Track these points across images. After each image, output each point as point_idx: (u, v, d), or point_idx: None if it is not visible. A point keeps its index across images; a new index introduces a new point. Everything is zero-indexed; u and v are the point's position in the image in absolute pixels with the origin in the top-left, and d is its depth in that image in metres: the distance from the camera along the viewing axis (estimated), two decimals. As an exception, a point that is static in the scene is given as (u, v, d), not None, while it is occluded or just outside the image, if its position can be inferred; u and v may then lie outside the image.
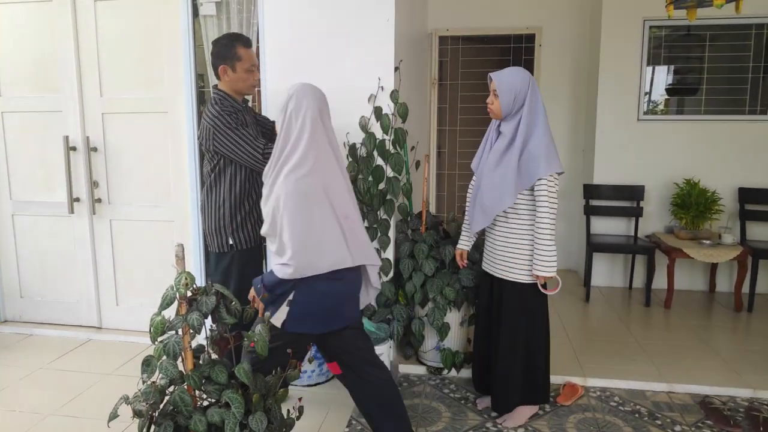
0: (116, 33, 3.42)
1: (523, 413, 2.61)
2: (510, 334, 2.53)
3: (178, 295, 1.61)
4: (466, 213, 2.71)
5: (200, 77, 3.44)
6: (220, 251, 2.63)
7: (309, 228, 1.87)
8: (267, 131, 2.84)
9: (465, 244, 2.75)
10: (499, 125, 2.53)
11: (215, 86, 2.63)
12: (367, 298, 2.22)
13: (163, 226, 3.49)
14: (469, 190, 2.71)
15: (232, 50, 2.55)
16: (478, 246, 2.89)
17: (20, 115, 3.61)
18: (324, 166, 1.94)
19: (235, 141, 2.47)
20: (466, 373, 3.05)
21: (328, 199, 1.91)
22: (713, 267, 4.49)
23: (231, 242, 2.60)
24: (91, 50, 3.44)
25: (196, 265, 3.46)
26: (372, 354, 2.19)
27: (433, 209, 5.03)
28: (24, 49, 3.55)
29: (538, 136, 2.38)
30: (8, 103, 3.61)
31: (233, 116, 2.50)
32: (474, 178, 2.68)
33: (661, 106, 4.59)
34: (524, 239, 2.43)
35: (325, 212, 1.90)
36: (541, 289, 2.45)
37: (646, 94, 4.53)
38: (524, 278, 2.47)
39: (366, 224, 3.05)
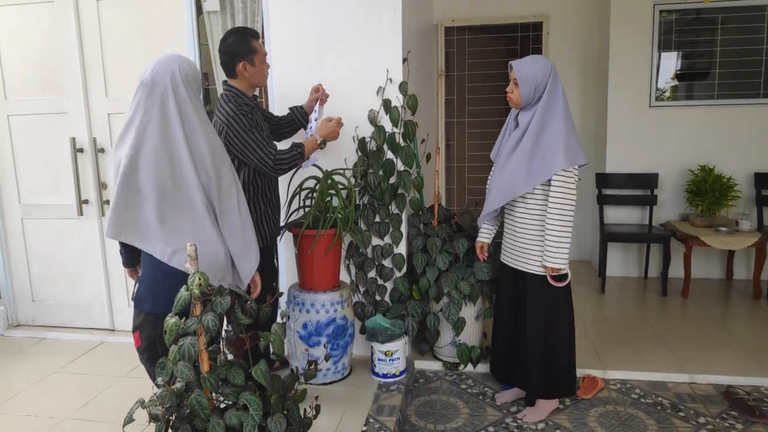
0: (120, 32, 3.39)
1: (544, 407, 2.57)
2: (534, 327, 2.49)
3: (192, 296, 1.57)
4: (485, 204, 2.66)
5: (205, 76, 3.40)
6: None
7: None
8: (273, 126, 2.80)
9: (485, 236, 2.70)
10: (517, 114, 2.47)
11: (225, 82, 2.59)
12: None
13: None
14: (488, 181, 2.66)
15: (247, 44, 2.51)
16: (495, 237, 2.84)
17: (26, 118, 3.59)
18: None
19: (248, 143, 2.43)
20: (482, 368, 3.01)
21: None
22: (730, 254, 4.42)
23: None
24: (95, 50, 3.41)
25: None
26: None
27: (443, 202, 4.98)
28: (28, 51, 3.52)
29: (555, 127, 2.32)
30: (14, 106, 3.59)
31: (248, 117, 2.45)
32: (494, 167, 2.63)
33: (670, 93, 4.51)
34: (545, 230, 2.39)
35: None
36: (550, 280, 2.40)
37: (657, 80, 4.45)
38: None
39: (377, 219, 3.01)
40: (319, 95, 2.80)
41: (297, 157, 2.52)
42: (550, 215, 2.32)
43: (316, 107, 2.80)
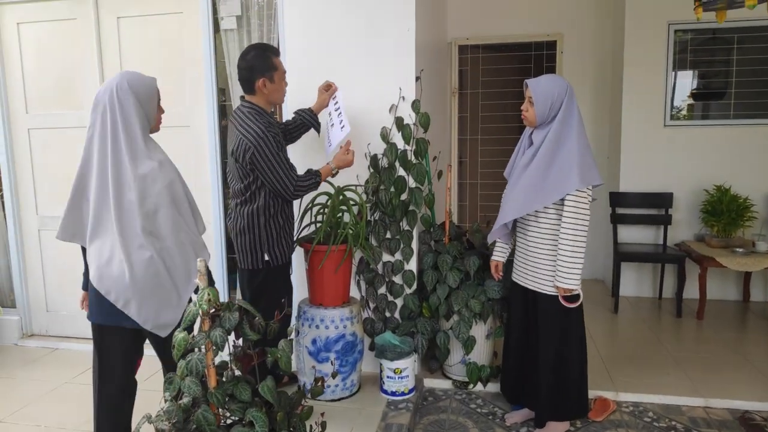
0: (138, 49, 3.46)
1: (555, 430, 2.53)
2: (545, 347, 2.47)
3: (201, 311, 1.58)
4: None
5: (221, 91, 3.45)
6: (254, 268, 2.59)
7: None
8: (283, 133, 2.76)
9: (500, 255, 2.68)
10: (531, 133, 2.47)
11: (243, 98, 2.60)
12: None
13: (186, 240, 3.49)
14: (502, 198, 2.65)
15: (268, 61, 2.51)
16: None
17: (45, 132, 3.67)
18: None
19: (274, 168, 2.45)
20: (492, 387, 2.98)
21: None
22: (747, 276, 4.34)
23: (267, 258, 2.58)
24: (114, 67, 3.48)
25: (219, 282, 3.46)
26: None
27: (455, 219, 4.97)
28: (49, 66, 3.60)
29: (569, 147, 2.32)
30: (34, 120, 3.67)
31: (276, 138, 2.47)
32: (507, 185, 2.63)
33: (686, 112, 4.48)
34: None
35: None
36: (561, 301, 2.38)
37: (673, 99, 4.43)
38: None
39: (388, 235, 3.02)
40: (332, 90, 2.83)
41: (314, 185, 2.59)
42: (563, 235, 2.31)
43: (333, 101, 2.82)
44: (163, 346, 1.99)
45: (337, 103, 2.81)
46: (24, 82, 3.65)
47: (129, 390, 2.12)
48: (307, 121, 2.84)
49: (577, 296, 2.38)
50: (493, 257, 2.72)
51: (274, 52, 2.57)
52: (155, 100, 2.05)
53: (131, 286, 1.90)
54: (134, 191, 1.89)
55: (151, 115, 2.03)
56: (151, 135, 2.05)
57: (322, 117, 2.90)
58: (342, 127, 2.73)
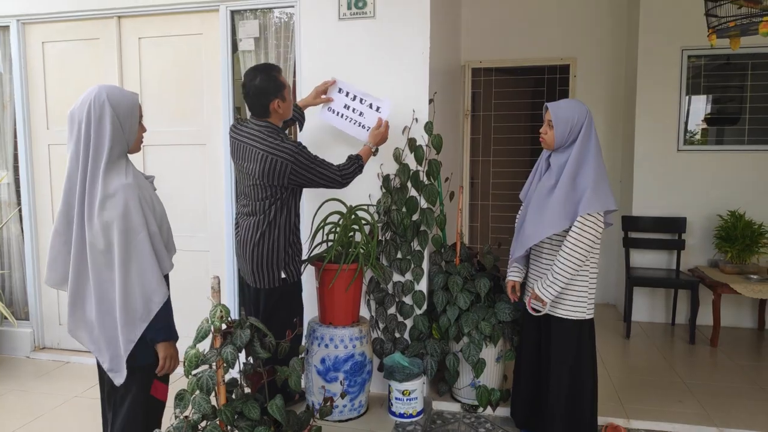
0: (158, 68, 3.54)
1: (564, 456, 2.50)
2: (557, 371, 2.45)
3: (212, 328, 1.60)
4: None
5: (237, 110, 3.51)
6: (271, 287, 2.60)
7: None
8: None
9: (516, 275, 2.65)
10: (549, 156, 2.48)
11: (255, 119, 2.59)
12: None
13: (199, 256, 3.53)
14: (516, 220, 2.65)
15: (276, 81, 2.54)
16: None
17: (65, 148, 3.73)
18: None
19: (316, 171, 2.52)
20: (502, 411, 2.95)
21: None
22: (762, 303, 4.28)
23: (284, 276, 2.60)
24: (134, 85, 3.56)
25: (230, 297, 3.48)
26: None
27: (466, 240, 4.97)
28: (70, 84, 3.68)
29: (586, 172, 2.34)
30: (54, 136, 3.74)
31: (305, 147, 2.54)
32: (522, 207, 2.63)
33: (700, 137, 4.47)
34: (575, 274, 2.38)
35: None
36: (527, 303, 2.49)
37: (687, 123, 4.43)
38: (574, 314, 2.40)
39: (399, 255, 3.03)
40: (330, 84, 2.90)
41: (359, 168, 2.67)
42: (560, 252, 2.35)
43: (341, 94, 2.89)
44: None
45: (348, 93, 2.88)
46: (46, 99, 3.74)
47: None
48: (295, 116, 2.88)
49: (541, 308, 2.45)
50: (509, 277, 2.68)
51: (278, 70, 2.60)
52: (136, 117, 1.89)
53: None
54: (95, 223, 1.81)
55: (131, 134, 1.88)
56: (130, 154, 1.97)
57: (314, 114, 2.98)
58: (377, 108, 2.84)
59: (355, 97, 2.88)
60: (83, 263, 1.83)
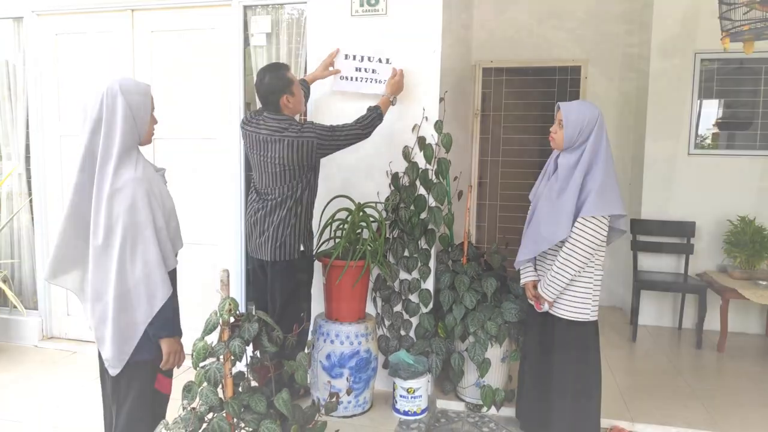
0: (170, 62, 3.55)
1: (568, 457, 2.49)
2: (562, 372, 2.45)
3: (221, 321, 1.61)
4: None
5: (248, 105, 3.52)
6: (291, 258, 2.69)
7: None
8: None
9: (531, 274, 2.59)
10: (557, 156, 2.47)
11: (271, 113, 2.66)
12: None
13: (207, 249, 3.54)
14: (528, 221, 2.63)
15: (283, 79, 2.65)
16: (519, 279, 2.81)
17: (76, 139, 3.75)
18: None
19: (338, 135, 2.63)
20: (506, 411, 2.95)
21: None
22: (770, 309, 4.26)
23: (302, 248, 2.71)
24: (146, 78, 3.57)
25: (238, 290, 3.49)
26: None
27: (473, 240, 4.96)
28: (83, 76, 3.71)
29: (594, 174, 2.33)
30: (66, 127, 3.77)
31: (318, 123, 2.66)
32: (530, 207, 2.62)
33: (711, 141, 4.44)
34: (578, 276, 2.37)
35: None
36: (530, 297, 2.54)
37: (698, 127, 4.40)
38: (577, 316, 2.39)
39: (406, 253, 3.03)
40: (335, 53, 2.99)
41: (378, 117, 2.74)
42: (561, 252, 2.36)
43: (350, 60, 2.99)
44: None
45: (355, 57, 2.97)
46: (59, 90, 3.77)
47: None
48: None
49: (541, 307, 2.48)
50: (525, 279, 2.60)
51: (285, 68, 2.72)
52: (148, 108, 1.87)
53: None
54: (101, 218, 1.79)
55: (143, 125, 1.86)
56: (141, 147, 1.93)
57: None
58: (387, 60, 2.94)
59: (363, 57, 2.98)
60: (88, 256, 1.83)
